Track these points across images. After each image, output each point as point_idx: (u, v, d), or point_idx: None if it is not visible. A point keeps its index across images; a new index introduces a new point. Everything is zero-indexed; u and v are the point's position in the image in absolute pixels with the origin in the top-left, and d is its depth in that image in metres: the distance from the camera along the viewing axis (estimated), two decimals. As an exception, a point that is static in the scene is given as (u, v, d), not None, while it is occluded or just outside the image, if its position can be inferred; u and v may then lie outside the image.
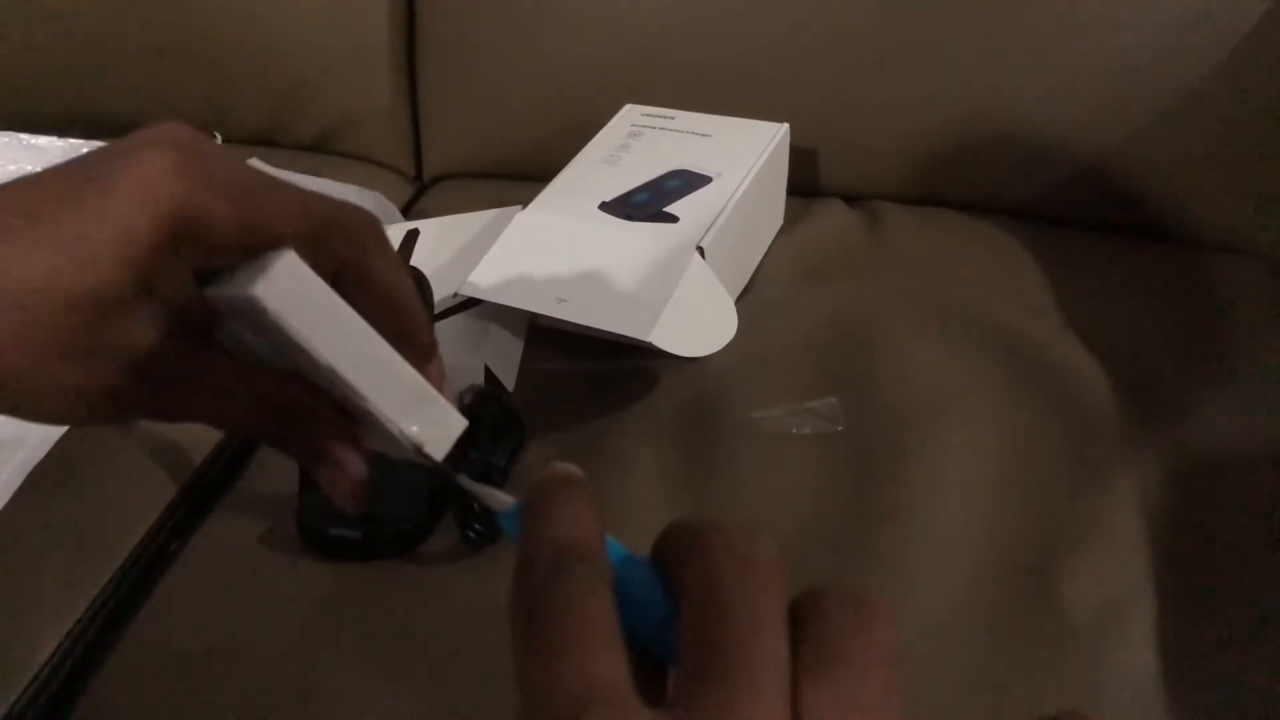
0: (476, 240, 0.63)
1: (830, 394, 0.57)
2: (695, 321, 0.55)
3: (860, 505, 0.51)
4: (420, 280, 0.55)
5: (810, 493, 0.52)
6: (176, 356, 0.27)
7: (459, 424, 0.27)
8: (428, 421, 0.26)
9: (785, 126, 0.68)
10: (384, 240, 0.29)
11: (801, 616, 0.20)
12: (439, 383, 0.29)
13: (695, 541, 0.21)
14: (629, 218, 0.60)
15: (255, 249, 0.26)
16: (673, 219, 0.60)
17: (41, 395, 0.26)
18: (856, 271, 0.69)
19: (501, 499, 0.25)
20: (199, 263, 0.27)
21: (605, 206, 0.61)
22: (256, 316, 0.25)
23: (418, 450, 0.27)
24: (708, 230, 0.58)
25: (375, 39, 0.83)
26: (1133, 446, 0.54)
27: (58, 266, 0.25)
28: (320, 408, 0.29)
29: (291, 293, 0.25)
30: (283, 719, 0.43)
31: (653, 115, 0.71)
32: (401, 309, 0.28)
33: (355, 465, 0.29)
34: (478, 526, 0.50)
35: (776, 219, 0.72)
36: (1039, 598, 0.47)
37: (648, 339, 0.53)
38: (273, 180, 0.27)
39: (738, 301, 0.64)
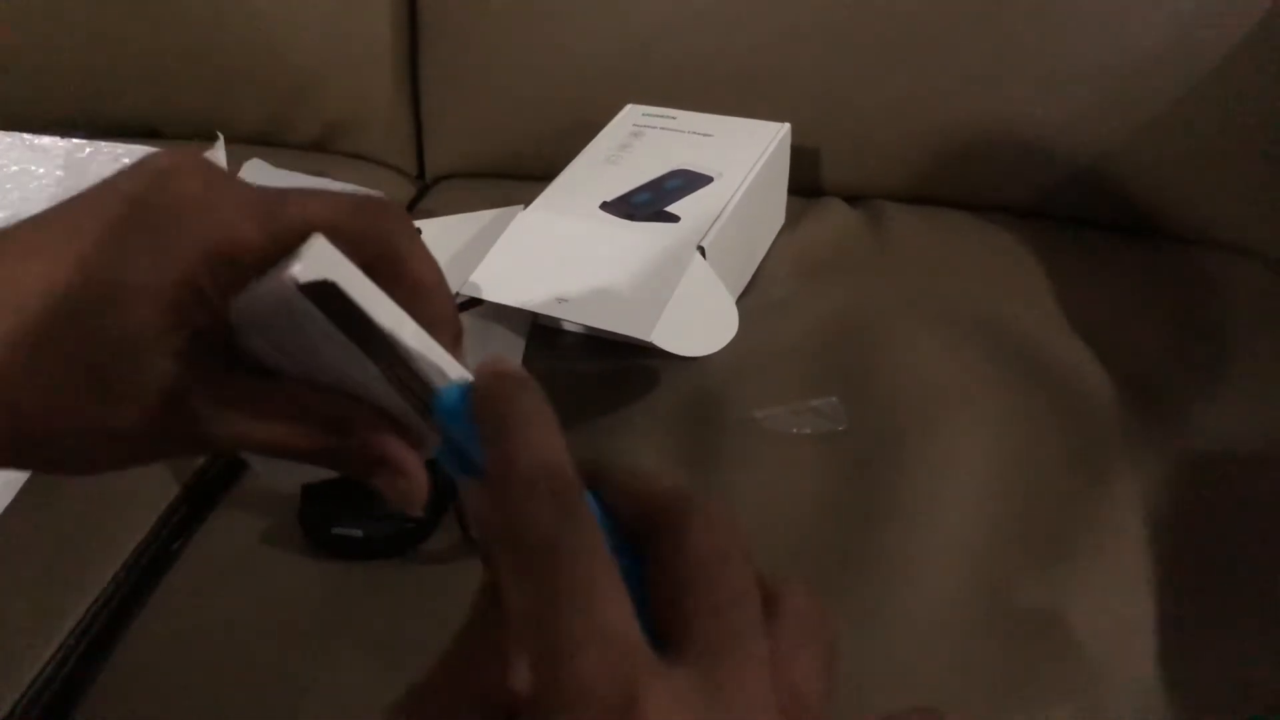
0: (478, 240, 0.63)
1: (831, 393, 0.57)
2: (696, 321, 0.55)
3: (861, 504, 0.51)
4: None
5: (811, 492, 0.52)
6: (209, 385, 0.27)
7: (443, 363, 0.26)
8: (434, 365, 0.25)
9: (786, 126, 0.68)
10: (411, 226, 0.28)
11: (768, 597, 0.21)
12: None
13: (677, 505, 0.21)
14: (630, 217, 0.60)
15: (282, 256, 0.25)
16: (674, 219, 0.60)
17: (79, 447, 0.26)
18: (858, 271, 0.69)
19: (443, 371, 0.23)
20: (230, 287, 0.26)
21: (606, 206, 0.61)
22: (285, 313, 0.24)
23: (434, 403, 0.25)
24: (709, 230, 0.58)
25: (377, 38, 0.83)
26: (1134, 444, 0.54)
27: (88, 310, 0.24)
28: (366, 413, 0.28)
29: (325, 273, 0.24)
30: (285, 717, 0.44)
31: (654, 115, 0.71)
32: (435, 295, 0.28)
33: (415, 465, 0.28)
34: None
35: (778, 219, 0.72)
36: (1040, 597, 0.47)
37: (649, 339, 0.53)
38: (289, 189, 0.27)
39: (739, 301, 0.64)
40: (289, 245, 0.25)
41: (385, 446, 0.28)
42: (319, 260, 0.24)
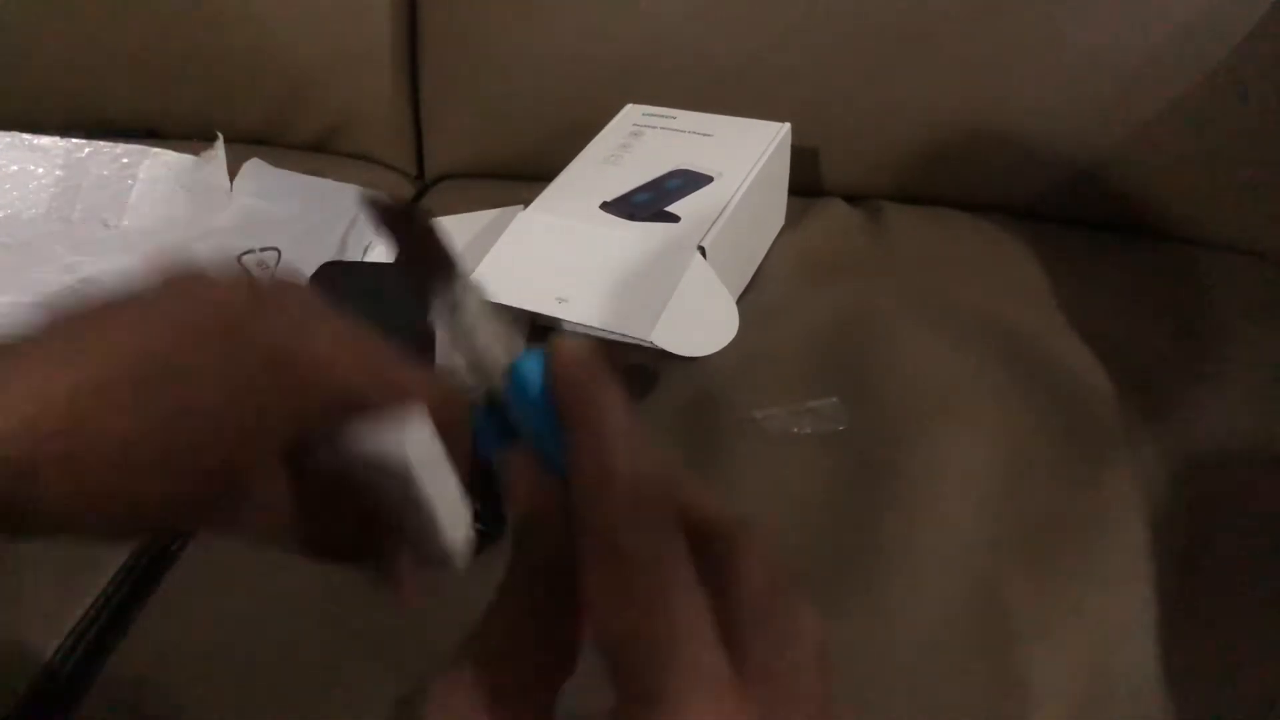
0: (478, 240, 0.63)
1: (831, 393, 0.57)
2: (696, 321, 0.55)
3: (861, 504, 0.51)
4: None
5: (811, 492, 0.52)
6: (274, 487, 0.28)
7: (466, 533, 0.32)
8: (459, 535, 0.31)
9: (786, 126, 0.68)
10: (465, 400, 0.30)
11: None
12: None
13: (734, 533, 0.23)
14: (630, 217, 0.60)
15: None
16: (674, 219, 0.60)
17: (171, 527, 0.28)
18: (858, 271, 0.69)
19: (494, 354, 0.26)
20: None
21: (607, 206, 0.61)
22: (364, 460, 0.27)
23: (446, 556, 0.31)
24: (709, 230, 0.58)
25: (377, 38, 0.83)
26: (1132, 444, 0.54)
27: (211, 452, 0.25)
28: (389, 532, 0.30)
29: (421, 448, 0.28)
30: (284, 717, 0.44)
31: (654, 115, 0.71)
32: (464, 439, 0.30)
33: (412, 584, 0.32)
34: (480, 525, 0.50)
35: (778, 219, 0.72)
36: (1039, 596, 0.47)
37: (649, 339, 0.53)
38: (390, 355, 0.28)
39: (739, 301, 0.64)
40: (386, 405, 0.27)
41: (395, 566, 0.31)
42: (419, 438, 0.28)
